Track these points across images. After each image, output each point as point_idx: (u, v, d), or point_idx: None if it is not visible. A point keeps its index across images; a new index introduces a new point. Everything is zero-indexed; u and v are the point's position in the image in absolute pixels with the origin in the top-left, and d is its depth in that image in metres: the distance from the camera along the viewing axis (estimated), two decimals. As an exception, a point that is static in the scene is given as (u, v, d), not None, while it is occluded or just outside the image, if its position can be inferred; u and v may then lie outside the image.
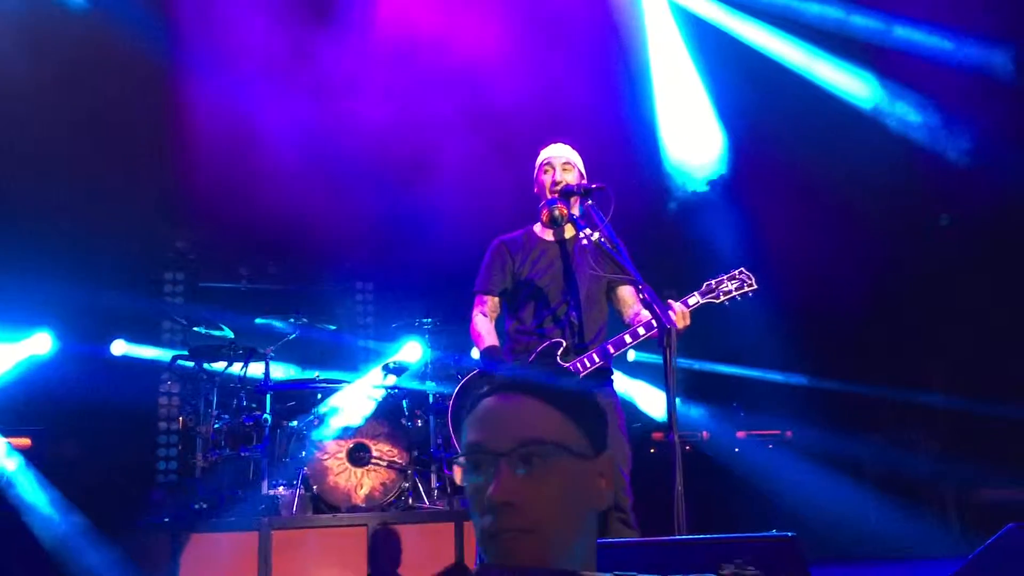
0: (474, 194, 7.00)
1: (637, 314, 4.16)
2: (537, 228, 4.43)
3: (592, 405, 1.44)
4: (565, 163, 4.30)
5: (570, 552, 1.33)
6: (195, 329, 7.00)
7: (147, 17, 6.73)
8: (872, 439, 7.54)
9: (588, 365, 4.06)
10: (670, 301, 3.80)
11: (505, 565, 1.31)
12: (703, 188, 7.71)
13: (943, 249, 7.31)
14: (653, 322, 3.86)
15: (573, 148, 4.39)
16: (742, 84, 7.48)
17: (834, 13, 7.15)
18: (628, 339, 4.03)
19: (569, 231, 4.31)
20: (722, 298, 4.03)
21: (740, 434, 7.39)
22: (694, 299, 4.01)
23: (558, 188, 4.22)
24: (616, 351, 4.05)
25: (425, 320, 7.04)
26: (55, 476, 5.80)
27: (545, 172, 4.32)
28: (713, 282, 4.05)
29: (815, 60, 7.47)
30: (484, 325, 4.35)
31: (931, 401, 7.65)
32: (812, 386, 7.76)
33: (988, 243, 6.82)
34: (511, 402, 1.39)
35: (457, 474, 1.40)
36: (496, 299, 4.39)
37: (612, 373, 4.29)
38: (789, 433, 7.40)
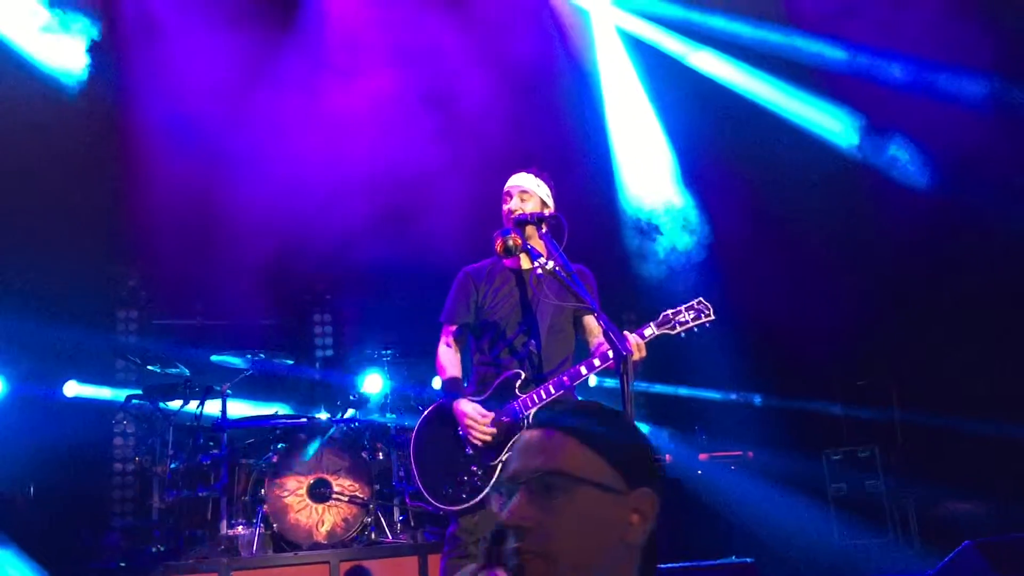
0: (432, 226, 6.99)
1: (602, 344, 4.14)
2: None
3: (633, 443, 1.50)
4: (523, 192, 4.29)
5: None
6: (149, 367, 6.89)
7: (98, 56, 6.68)
8: (831, 457, 7.59)
9: (544, 396, 4.04)
10: (626, 332, 3.79)
11: None
12: (659, 222, 7.77)
13: (901, 266, 7.41)
14: (609, 353, 3.85)
15: (539, 175, 4.38)
16: (695, 111, 7.57)
17: (798, 43, 7.26)
18: (584, 370, 4.01)
19: (525, 261, 4.30)
20: (678, 329, 4.02)
21: (702, 456, 7.41)
22: (649, 330, 4.00)
23: (513, 217, 4.22)
24: (573, 382, 4.03)
25: (384, 352, 6.99)
26: (7, 522, 5.67)
27: (505, 201, 4.33)
28: (670, 312, 4.04)
29: (765, 86, 7.58)
30: (448, 356, 4.37)
31: (889, 418, 7.72)
32: (772, 406, 7.81)
33: (947, 263, 6.92)
34: (541, 434, 1.48)
35: (495, 503, 1.48)
36: (462, 329, 4.39)
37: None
38: (751, 454, 7.43)
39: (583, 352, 4.30)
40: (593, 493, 1.41)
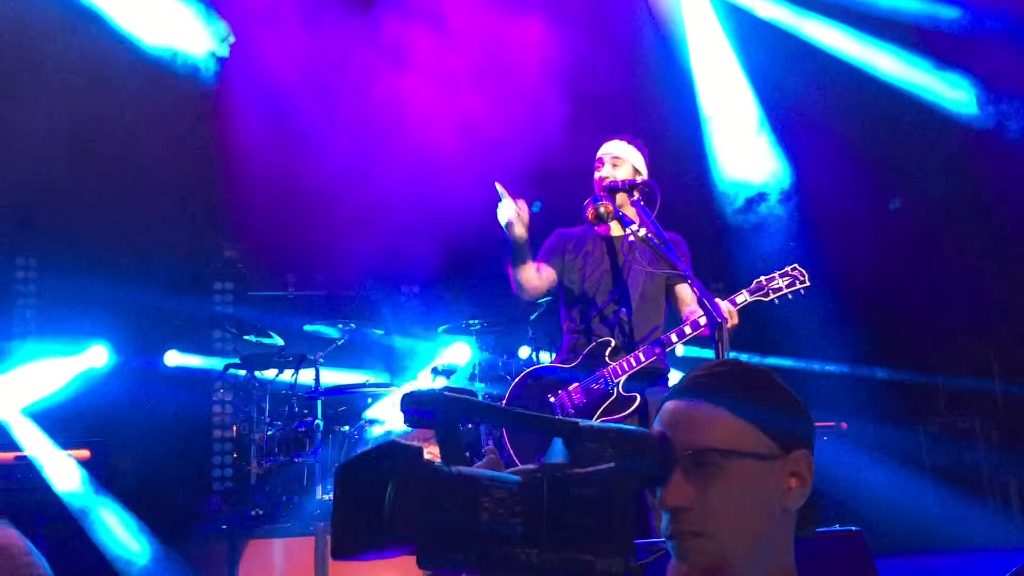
0: (519, 196, 6.98)
1: (692, 312, 4.11)
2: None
3: (783, 406, 1.44)
4: (615, 159, 4.26)
5: (755, 552, 1.35)
6: (246, 337, 7.07)
7: (198, 31, 6.86)
8: (930, 429, 7.40)
9: (634, 364, 4.03)
10: (718, 300, 3.75)
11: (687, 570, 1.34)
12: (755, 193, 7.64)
13: (995, 234, 7.16)
14: (700, 320, 3.83)
15: (632, 142, 4.33)
16: (788, 74, 7.39)
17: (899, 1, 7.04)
18: (674, 337, 3.99)
19: (616, 228, 4.28)
20: (772, 296, 3.96)
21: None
22: (742, 297, 3.95)
23: (605, 184, 4.20)
24: (664, 349, 4.01)
25: (472, 321, 7.03)
26: (114, 487, 5.90)
27: (597, 168, 4.30)
28: (764, 279, 3.98)
29: (858, 44, 7.36)
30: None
31: (989, 388, 7.50)
32: (867, 376, 7.63)
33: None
34: (687, 406, 1.41)
35: None
36: (550, 270, 4.34)
37: (668, 371, 4.25)
38: (844, 425, 7.28)
39: (674, 321, 4.28)
40: (748, 464, 1.36)
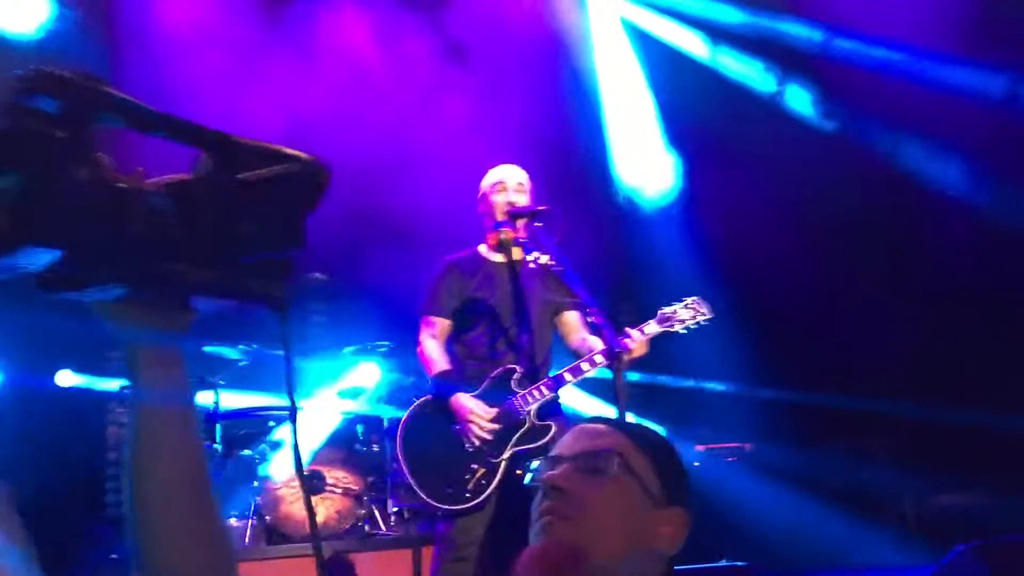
0: (423, 215, 6.94)
1: (584, 340, 4.15)
2: (483, 249, 4.38)
3: (677, 465, 1.53)
4: (519, 184, 4.26)
5: (618, 560, 1.38)
6: (143, 358, 6.83)
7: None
8: (829, 450, 7.53)
9: (545, 392, 4.02)
10: (627, 330, 3.79)
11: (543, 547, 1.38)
12: (654, 207, 7.72)
13: (895, 254, 7.36)
14: (596, 358, 3.87)
15: (522, 168, 4.35)
16: (690, 99, 7.51)
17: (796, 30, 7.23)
18: (585, 367, 4.00)
19: (517, 254, 4.26)
20: (677, 327, 4.02)
21: (699, 448, 7.35)
22: (651, 327, 3.98)
23: (510, 210, 4.17)
24: (576, 377, 4.00)
25: (380, 343, 6.94)
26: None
27: (498, 193, 4.27)
28: (668, 311, 4.03)
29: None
30: (435, 349, 4.31)
31: (887, 409, 7.66)
32: (769, 398, 7.75)
33: (937, 248, 6.88)
34: (601, 428, 1.50)
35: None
36: (446, 321, 4.34)
37: (559, 398, 4.25)
38: (748, 446, 7.38)
39: (557, 347, 4.31)
40: (637, 492, 1.42)
